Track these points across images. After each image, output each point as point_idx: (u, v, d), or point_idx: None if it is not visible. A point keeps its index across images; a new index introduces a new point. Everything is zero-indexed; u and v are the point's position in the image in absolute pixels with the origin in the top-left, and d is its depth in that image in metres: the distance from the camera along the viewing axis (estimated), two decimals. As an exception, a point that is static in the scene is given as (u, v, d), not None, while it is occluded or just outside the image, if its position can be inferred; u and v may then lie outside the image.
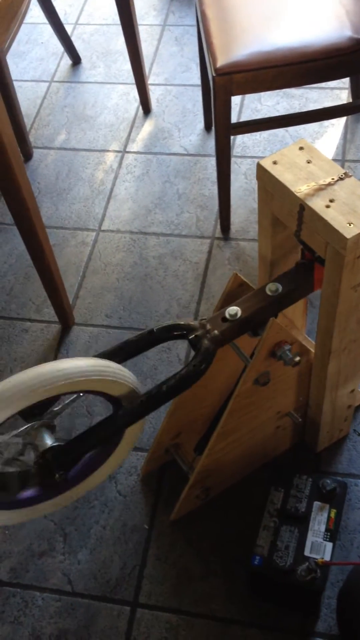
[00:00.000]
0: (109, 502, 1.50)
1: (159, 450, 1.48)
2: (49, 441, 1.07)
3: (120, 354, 1.12)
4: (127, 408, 1.08)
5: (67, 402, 1.14)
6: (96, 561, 1.43)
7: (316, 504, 1.33)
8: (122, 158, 2.17)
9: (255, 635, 1.32)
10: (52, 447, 1.07)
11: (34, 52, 2.54)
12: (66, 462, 1.10)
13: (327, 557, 1.27)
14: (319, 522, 1.31)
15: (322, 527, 1.30)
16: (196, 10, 1.73)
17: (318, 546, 1.28)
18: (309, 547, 1.28)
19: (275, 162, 1.10)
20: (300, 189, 1.06)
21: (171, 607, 1.36)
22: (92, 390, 1.05)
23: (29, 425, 1.07)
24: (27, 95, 2.39)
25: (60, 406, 1.11)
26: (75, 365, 1.01)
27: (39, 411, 1.07)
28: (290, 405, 1.38)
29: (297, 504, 1.33)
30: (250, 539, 1.31)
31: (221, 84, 1.54)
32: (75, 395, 1.13)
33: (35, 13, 2.60)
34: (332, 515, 1.32)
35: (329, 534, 1.30)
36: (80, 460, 1.14)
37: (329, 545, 1.28)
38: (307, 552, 1.28)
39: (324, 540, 1.29)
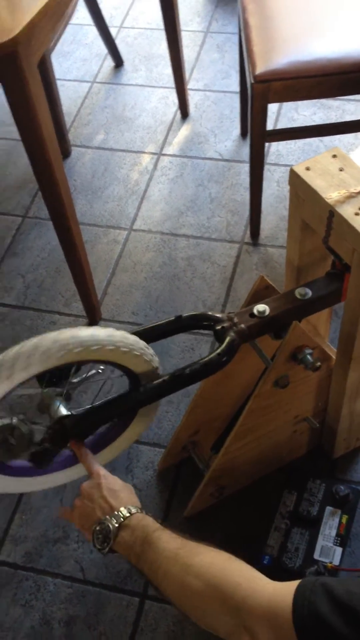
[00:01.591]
0: (124, 495, 1.53)
1: (176, 447, 1.50)
2: (63, 410, 1.07)
3: (145, 334, 1.12)
4: (149, 385, 1.09)
5: (86, 375, 1.13)
6: (109, 551, 1.46)
7: (328, 508, 1.35)
8: (157, 160, 2.20)
9: (261, 635, 1.33)
10: (68, 415, 1.07)
11: (78, 53, 2.59)
12: (80, 432, 1.09)
13: (336, 562, 1.28)
14: (330, 527, 1.32)
15: (333, 532, 1.31)
16: (239, 18, 1.76)
17: (328, 550, 1.29)
18: (319, 550, 1.30)
19: (308, 168, 1.12)
20: (331, 195, 1.08)
21: (179, 601, 1.38)
22: (116, 362, 1.05)
23: (47, 389, 1.07)
24: (69, 95, 2.44)
25: (79, 379, 1.11)
26: (106, 333, 1.02)
27: (57, 379, 1.07)
28: (308, 410, 1.40)
29: (310, 508, 1.34)
30: (261, 539, 1.32)
31: (259, 91, 1.56)
32: (94, 371, 1.13)
33: (81, 14, 2.65)
34: (344, 520, 1.33)
35: (339, 539, 1.31)
36: (95, 432, 1.14)
37: (339, 550, 1.29)
38: (316, 555, 1.29)
39: (334, 544, 1.30)
